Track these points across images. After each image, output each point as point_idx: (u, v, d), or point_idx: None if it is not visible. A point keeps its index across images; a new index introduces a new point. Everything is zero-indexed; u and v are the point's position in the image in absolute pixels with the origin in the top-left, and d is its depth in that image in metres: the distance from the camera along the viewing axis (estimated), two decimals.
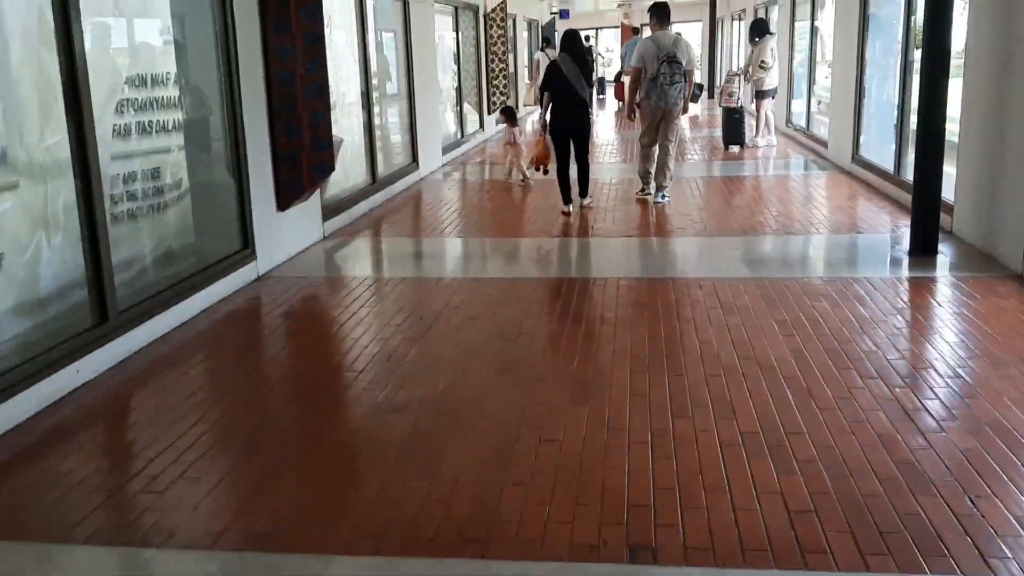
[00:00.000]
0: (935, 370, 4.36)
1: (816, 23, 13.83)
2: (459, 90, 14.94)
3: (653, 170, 9.17)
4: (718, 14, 25.29)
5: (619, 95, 22.31)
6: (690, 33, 38.31)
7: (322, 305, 6.12)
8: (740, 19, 21.55)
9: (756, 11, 17.90)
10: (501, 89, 16.36)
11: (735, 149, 12.92)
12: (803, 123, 14.20)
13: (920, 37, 6.61)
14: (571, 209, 8.68)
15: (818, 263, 7.05)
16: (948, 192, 6.84)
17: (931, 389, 4.12)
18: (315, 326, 5.72)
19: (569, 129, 8.61)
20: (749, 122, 13.48)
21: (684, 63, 8.73)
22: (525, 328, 5.26)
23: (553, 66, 8.58)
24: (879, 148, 9.82)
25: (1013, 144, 6.11)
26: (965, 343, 4.75)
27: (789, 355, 4.60)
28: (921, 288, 5.99)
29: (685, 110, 9.04)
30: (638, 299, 5.80)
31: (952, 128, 6.75)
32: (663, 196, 9.04)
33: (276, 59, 6.69)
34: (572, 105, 8.52)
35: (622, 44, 26.11)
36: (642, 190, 9.38)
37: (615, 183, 10.54)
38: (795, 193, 9.81)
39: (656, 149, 9.11)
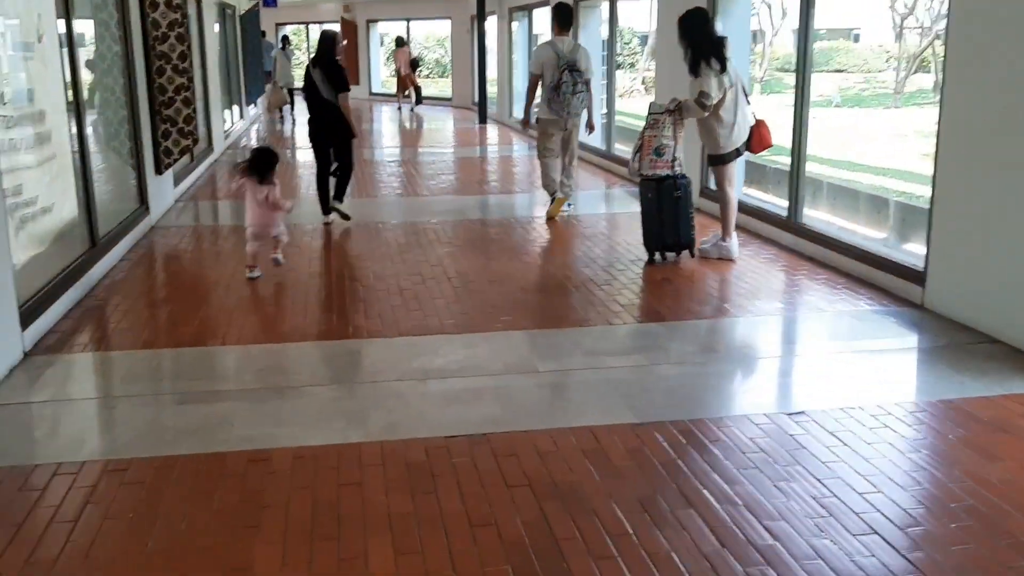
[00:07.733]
0: None
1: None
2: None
3: (559, 178, 8.60)
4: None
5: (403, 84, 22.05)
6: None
7: None
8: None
9: None
10: (183, 122, 9.23)
11: (674, 256, 6.84)
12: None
13: None
14: (330, 219, 8.41)
15: None
16: None
17: None
18: None
19: (323, 135, 8.36)
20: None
21: (585, 71, 8.19)
22: None
23: (305, 71, 8.36)
24: None
25: None
26: None
27: None
28: None
29: (591, 127, 8.70)
30: None
31: None
32: (569, 204, 8.72)
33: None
34: (320, 111, 8.28)
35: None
36: (553, 199, 8.61)
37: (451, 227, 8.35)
38: None
39: (557, 161, 8.56)
